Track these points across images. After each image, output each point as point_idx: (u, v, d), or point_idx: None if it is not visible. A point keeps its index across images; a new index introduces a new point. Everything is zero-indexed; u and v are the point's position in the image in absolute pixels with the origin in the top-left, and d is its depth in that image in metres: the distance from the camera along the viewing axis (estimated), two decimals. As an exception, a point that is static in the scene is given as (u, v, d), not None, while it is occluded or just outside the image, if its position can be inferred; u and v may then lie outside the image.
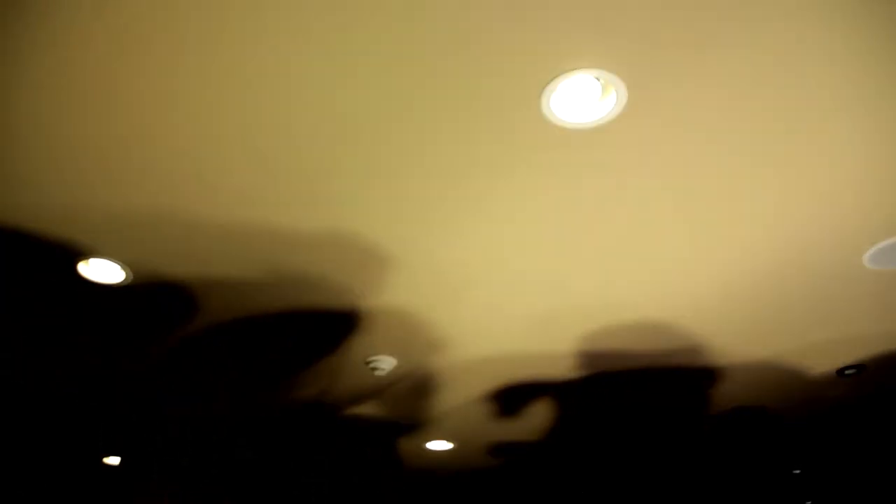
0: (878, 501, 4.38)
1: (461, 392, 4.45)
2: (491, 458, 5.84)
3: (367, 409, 4.78)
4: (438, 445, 5.49)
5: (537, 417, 4.93)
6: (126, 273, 3.04)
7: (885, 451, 4.26)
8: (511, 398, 4.56)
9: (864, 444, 4.40)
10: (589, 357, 3.96)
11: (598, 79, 2.07)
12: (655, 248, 2.95)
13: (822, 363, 4.06)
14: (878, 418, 4.29)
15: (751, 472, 5.65)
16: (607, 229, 2.81)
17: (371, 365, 3.96)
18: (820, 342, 3.78)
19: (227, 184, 2.51)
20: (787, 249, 2.96)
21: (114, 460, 4.54)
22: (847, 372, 4.10)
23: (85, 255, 2.90)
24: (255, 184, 2.51)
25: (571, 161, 2.40)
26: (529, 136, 2.28)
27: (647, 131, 2.27)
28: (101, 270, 3.04)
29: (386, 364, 3.96)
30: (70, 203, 2.58)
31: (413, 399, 4.57)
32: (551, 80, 2.05)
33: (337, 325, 3.55)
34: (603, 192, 2.58)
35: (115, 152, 2.33)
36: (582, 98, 2.15)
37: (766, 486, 5.50)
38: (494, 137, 2.29)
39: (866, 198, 2.63)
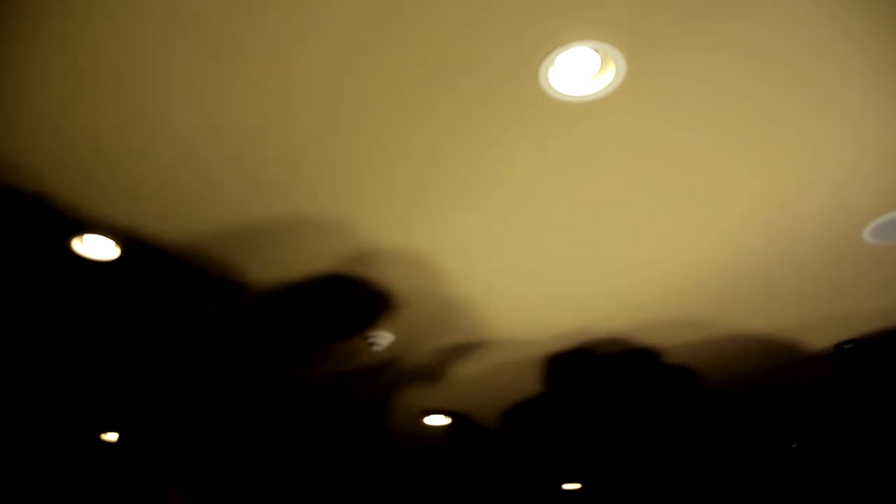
0: (875, 474, 4.40)
1: (460, 368, 4.45)
2: (489, 432, 5.86)
3: (363, 385, 4.79)
4: (436, 420, 5.50)
5: (534, 392, 4.94)
6: (120, 249, 3.02)
7: (881, 425, 4.28)
8: (511, 375, 4.57)
9: (862, 418, 4.42)
10: (589, 334, 3.95)
11: (597, 51, 2.04)
12: (654, 223, 2.93)
13: (820, 337, 4.06)
14: (875, 393, 4.30)
15: (748, 445, 5.69)
16: (606, 203, 2.79)
17: (368, 340, 3.95)
18: (819, 317, 3.77)
19: (228, 174, 2.49)
20: (787, 223, 2.94)
21: (112, 436, 4.56)
22: (846, 346, 4.10)
23: (79, 231, 2.88)
24: (253, 170, 2.49)
25: (571, 134, 2.38)
26: (528, 109, 2.25)
27: (646, 104, 2.25)
28: (95, 246, 3.02)
29: (383, 340, 3.96)
30: (65, 184, 2.56)
31: (410, 374, 4.58)
32: (550, 52, 2.01)
33: (335, 300, 3.54)
34: (602, 165, 2.55)
35: (115, 139, 2.31)
36: (581, 71, 2.12)
37: (763, 460, 5.54)
38: (492, 111, 2.26)
39: (866, 172, 2.61)
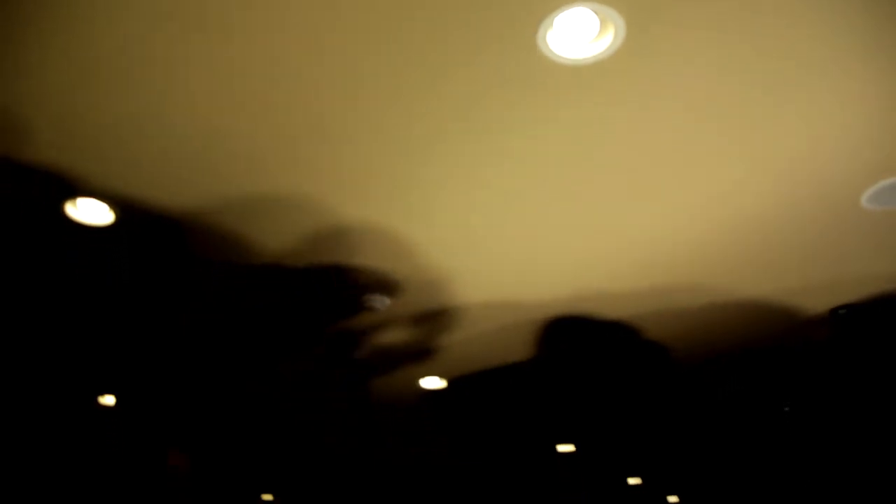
0: (866, 437, 4.46)
1: (457, 331, 4.46)
2: (483, 395, 5.90)
3: (359, 351, 4.81)
4: (432, 383, 5.54)
5: (529, 356, 4.96)
6: (115, 214, 3.00)
7: (874, 390, 4.32)
8: (509, 339, 4.59)
9: (855, 382, 4.46)
10: (584, 299, 3.96)
11: (596, 14, 2.00)
12: (651, 187, 2.92)
13: (815, 302, 4.07)
14: (869, 358, 4.34)
15: (741, 408, 5.74)
16: (601, 168, 2.77)
17: (366, 303, 3.96)
18: (815, 281, 3.78)
19: (228, 147, 2.48)
20: (785, 188, 2.93)
21: (109, 400, 4.57)
22: (840, 311, 4.12)
23: (72, 194, 2.85)
24: (247, 145, 2.48)
25: (567, 97, 2.35)
26: (524, 71, 2.22)
27: (645, 68, 2.22)
28: (89, 211, 2.99)
29: (379, 303, 3.96)
30: (61, 148, 2.53)
31: (407, 337, 4.59)
32: (549, 14, 1.98)
33: (333, 263, 3.53)
34: (598, 129, 2.53)
35: (115, 105, 2.28)
36: (579, 34, 2.08)
37: (756, 422, 5.60)
38: (487, 73, 2.23)
39: (866, 137, 2.60)
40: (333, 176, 2.77)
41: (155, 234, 3.17)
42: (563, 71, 2.22)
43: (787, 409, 5.23)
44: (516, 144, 2.60)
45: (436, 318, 4.25)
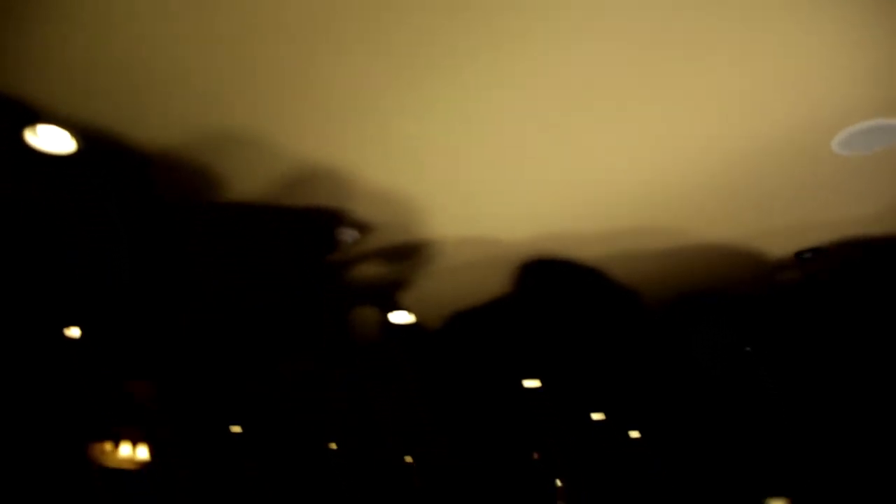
0: (824, 376, 4.59)
1: (427, 267, 4.46)
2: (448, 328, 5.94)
3: (328, 287, 4.80)
4: (401, 318, 5.56)
5: (498, 291, 5.00)
6: (76, 142, 2.91)
7: (832, 332, 4.43)
8: (479, 276, 4.60)
9: (815, 324, 4.57)
10: (552, 239, 3.96)
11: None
12: (625, 126, 2.89)
13: (781, 246, 4.12)
14: (829, 301, 4.43)
15: (703, 348, 5.87)
16: (576, 104, 2.74)
17: (336, 237, 3.94)
18: (782, 225, 3.82)
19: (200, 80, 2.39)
20: (756, 132, 2.92)
21: (75, 332, 4.54)
22: (805, 255, 4.17)
23: (33, 120, 2.76)
24: (217, 79, 2.39)
25: (547, 29, 2.30)
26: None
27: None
28: (50, 139, 2.90)
29: (348, 237, 3.94)
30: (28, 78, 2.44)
31: (377, 271, 4.59)
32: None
33: (303, 201, 3.49)
34: (571, 63, 2.49)
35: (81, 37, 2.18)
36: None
37: (717, 361, 5.73)
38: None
39: (836, 82, 2.59)
40: (305, 115, 2.71)
41: (121, 165, 3.09)
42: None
43: (748, 349, 5.36)
44: (488, 78, 2.56)
45: (406, 254, 4.24)
